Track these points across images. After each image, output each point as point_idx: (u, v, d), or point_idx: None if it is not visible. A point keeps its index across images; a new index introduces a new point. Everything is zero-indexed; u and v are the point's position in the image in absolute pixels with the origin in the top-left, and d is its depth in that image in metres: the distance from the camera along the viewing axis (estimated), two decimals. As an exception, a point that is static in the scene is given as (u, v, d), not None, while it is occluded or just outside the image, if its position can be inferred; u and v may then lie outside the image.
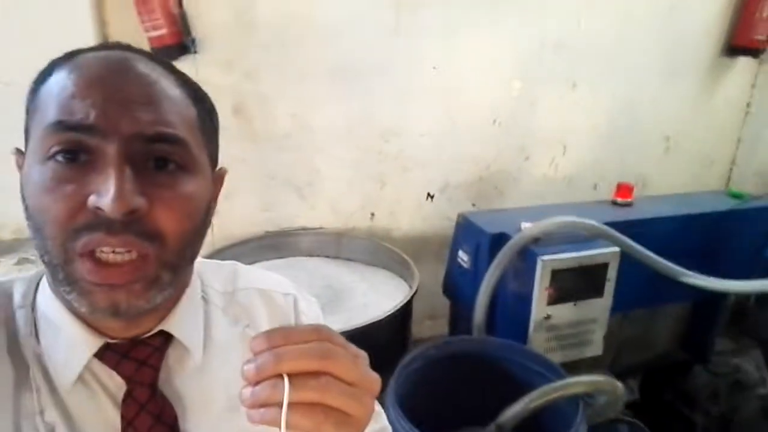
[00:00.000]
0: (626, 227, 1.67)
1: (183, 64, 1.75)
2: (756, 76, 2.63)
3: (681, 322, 2.24)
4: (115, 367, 0.50)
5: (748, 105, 2.69)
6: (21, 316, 0.51)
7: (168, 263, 0.47)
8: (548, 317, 1.53)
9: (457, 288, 1.84)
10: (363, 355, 0.43)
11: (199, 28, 1.78)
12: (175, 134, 0.46)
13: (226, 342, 0.58)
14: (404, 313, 1.63)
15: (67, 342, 0.50)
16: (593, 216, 1.66)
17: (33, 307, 0.52)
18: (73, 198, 0.43)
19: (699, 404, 1.95)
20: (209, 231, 0.54)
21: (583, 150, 2.50)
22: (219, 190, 0.56)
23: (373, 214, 2.27)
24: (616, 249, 1.55)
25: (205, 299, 0.59)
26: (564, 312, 1.55)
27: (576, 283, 1.54)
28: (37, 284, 0.54)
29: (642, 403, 2.13)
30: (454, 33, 2.08)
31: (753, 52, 2.49)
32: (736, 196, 2.04)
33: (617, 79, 2.41)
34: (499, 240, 1.61)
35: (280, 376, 0.38)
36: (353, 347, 0.43)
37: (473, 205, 2.39)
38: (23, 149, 0.49)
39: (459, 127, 2.25)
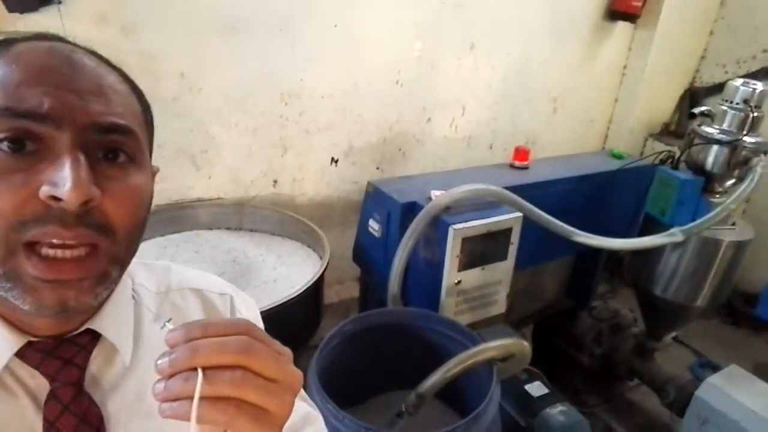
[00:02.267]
0: (524, 190, 1.76)
1: (45, 17, 1.49)
2: (632, 40, 2.84)
3: (566, 273, 2.46)
4: (38, 366, 0.48)
5: (625, 67, 2.90)
6: None
7: (117, 258, 0.46)
8: (458, 282, 1.59)
9: (368, 256, 1.84)
10: (286, 351, 0.42)
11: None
12: (128, 125, 0.46)
13: (157, 342, 0.54)
14: (317, 286, 1.59)
15: None
16: (494, 180, 1.72)
17: None
18: (21, 189, 0.41)
19: (585, 346, 2.17)
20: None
21: (481, 111, 2.56)
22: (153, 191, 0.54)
23: (275, 182, 2.17)
24: (519, 214, 1.62)
25: (135, 299, 0.57)
26: (473, 276, 1.61)
27: (484, 249, 1.60)
28: None
29: (535, 349, 2.32)
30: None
31: (630, 17, 2.67)
32: (617, 156, 2.23)
33: (511, 41, 2.47)
34: (410, 209, 1.62)
35: (195, 370, 0.36)
36: (276, 343, 0.41)
37: (377, 168, 2.37)
38: None
39: (361, 88, 2.18)
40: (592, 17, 2.66)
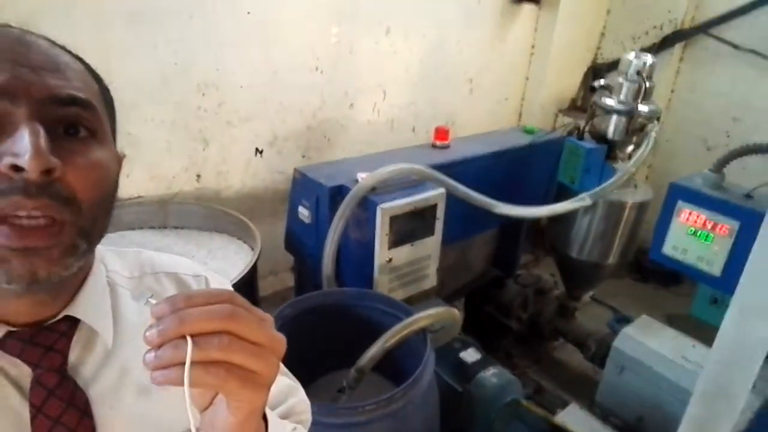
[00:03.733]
0: (446, 167, 1.84)
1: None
2: (537, 21, 2.99)
3: (491, 245, 2.58)
4: (20, 354, 0.49)
5: (533, 47, 3.06)
6: None
7: (83, 230, 0.46)
8: (390, 260, 1.64)
9: (300, 242, 1.85)
10: (268, 317, 0.43)
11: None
12: (87, 98, 0.46)
13: (138, 324, 0.57)
14: (251, 277, 1.59)
15: None
16: (418, 160, 1.78)
17: None
18: None
19: (512, 312, 2.30)
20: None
21: (401, 95, 2.62)
22: (120, 173, 0.54)
23: (199, 176, 2.12)
24: (442, 190, 1.69)
25: (110, 284, 0.58)
26: (403, 253, 1.67)
27: (411, 226, 1.66)
28: None
29: (467, 319, 2.44)
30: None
31: (534, -1, 2.82)
32: (529, 131, 2.36)
33: (426, 25, 2.53)
34: (338, 192, 1.64)
35: (183, 338, 0.38)
36: (257, 310, 0.43)
37: (303, 156, 2.37)
38: None
39: (281, 76, 2.17)
40: (500, 1, 2.78)
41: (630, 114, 1.87)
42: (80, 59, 0.51)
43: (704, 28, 2.86)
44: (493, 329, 2.35)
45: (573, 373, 2.35)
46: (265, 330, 0.42)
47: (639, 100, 1.88)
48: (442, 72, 2.71)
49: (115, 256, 0.61)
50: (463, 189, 1.74)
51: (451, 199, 1.77)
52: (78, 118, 0.46)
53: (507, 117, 3.16)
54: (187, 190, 2.10)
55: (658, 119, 1.92)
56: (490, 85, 2.96)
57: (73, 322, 0.52)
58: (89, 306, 0.53)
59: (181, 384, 0.37)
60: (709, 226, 1.00)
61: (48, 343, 0.50)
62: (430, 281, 1.79)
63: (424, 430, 1.26)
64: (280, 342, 0.44)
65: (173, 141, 1.99)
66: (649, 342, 1.86)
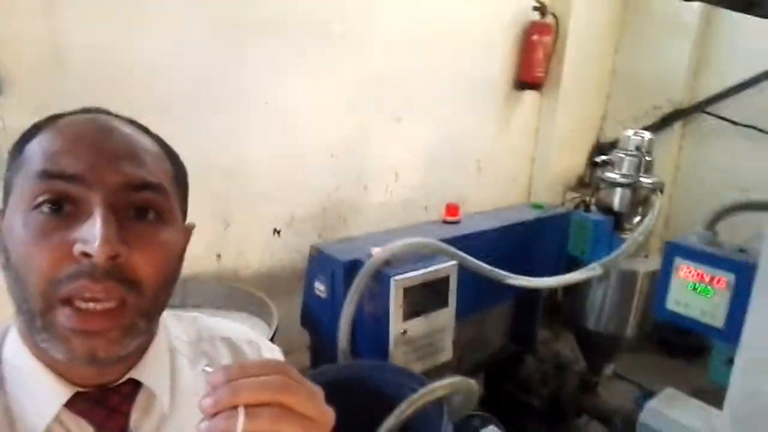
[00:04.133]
0: (457, 242, 1.89)
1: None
2: (540, 106, 3.17)
3: (508, 320, 2.57)
4: (86, 415, 0.51)
5: (537, 129, 3.21)
6: None
7: (144, 311, 0.49)
8: (404, 332, 1.65)
9: (316, 318, 1.88)
10: (318, 391, 0.44)
11: (5, 68, 1.58)
12: (159, 182, 0.50)
13: (193, 389, 0.59)
14: (267, 352, 1.61)
15: (36, 391, 0.50)
16: (430, 235, 1.84)
17: (0, 358, 0.52)
18: (58, 248, 0.44)
19: (533, 388, 2.25)
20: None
21: (412, 176, 2.74)
22: (187, 245, 0.58)
23: (219, 256, 2.20)
24: (454, 262, 1.74)
25: (171, 349, 0.60)
26: (417, 325, 1.68)
27: (425, 297, 1.69)
28: (5, 335, 0.54)
29: (488, 396, 2.38)
30: (284, 70, 2.15)
31: (535, 86, 3.00)
32: (537, 206, 2.44)
33: (434, 113, 2.71)
34: (353, 266, 1.70)
35: (236, 408, 0.39)
36: (309, 383, 0.44)
37: (319, 236, 2.46)
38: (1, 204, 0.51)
39: (297, 161, 2.31)
40: (503, 88, 2.97)
41: (633, 186, 1.94)
42: (158, 139, 0.56)
43: (701, 107, 3.00)
44: (514, 407, 2.29)
45: (600, 454, 2.25)
46: (315, 403, 0.43)
47: (641, 173, 1.96)
48: (451, 155, 2.85)
49: (175, 321, 0.64)
50: (473, 261, 1.78)
51: (464, 271, 1.81)
52: (148, 202, 0.49)
53: (516, 195, 3.25)
54: (208, 271, 2.17)
55: (661, 191, 1.98)
56: (497, 167, 3.09)
57: (136, 385, 0.54)
58: (152, 370, 0.55)
59: None
60: (707, 280, 1.03)
61: (112, 404, 0.52)
62: (446, 354, 1.79)
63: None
64: (330, 416, 0.45)
65: (196, 223, 2.09)
66: (675, 415, 1.80)
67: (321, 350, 1.94)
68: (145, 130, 0.55)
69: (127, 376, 0.53)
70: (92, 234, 0.44)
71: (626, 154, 1.96)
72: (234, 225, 2.20)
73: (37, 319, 0.45)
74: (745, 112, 2.86)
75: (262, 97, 2.14)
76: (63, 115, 0.51)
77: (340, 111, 2.39)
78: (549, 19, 2.89)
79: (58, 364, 0.49)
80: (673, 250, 1.09)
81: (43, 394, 0.50)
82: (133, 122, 0.54)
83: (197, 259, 2.14)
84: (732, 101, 2.88)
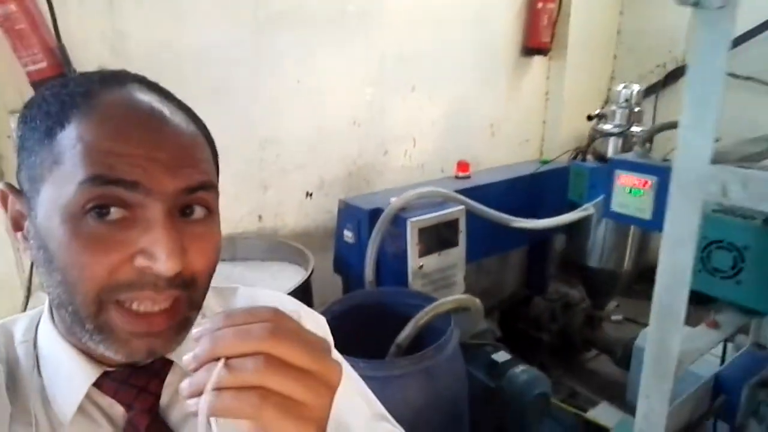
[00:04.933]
0: (467, 192, 2.16)
1: None
2: (548, 70, 3.36)
3: (522, 268, 2.83)
4: (114, 394, 0.50)
5: (546, 93, 3.41)
6: (22, 352, 0.52)
7: (196, 303, 0.49)
8: (421, 267, 1.94)
9: (347, 262, 2.18)
10: (321, 341, 0.39)
11: (74, 62, 1.91)
12: (211, 180, 0.49)
13: None
14: (307, 285, 1.92)
15: (66, 373, 0.50)
16: (442, 187, 2.11)
17: (35, 342, 0.52)
18: (115, 256, 0.43)
19: (543, 325, 2.51)
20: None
21: (428, 141, 2.99)
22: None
23: (260, 217, 2.52)
24: (462, 207, 2.01)
25: None
26: (432, 261, 1.97)
27: (437, 237, 1.97)
28: (38, 320, 0.54)
29: (503, 336, 2.65)
30: (311, 51, 2.43)
31: (543, 51, 3.19)
32: (544, 162, 2.67)
33: (446, 81, 2.94)
34: (375, 214, 1.99)
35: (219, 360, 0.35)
36: (309, 332, 0.39)
37: (346, 197, 2.75)
38: (17, 186, 0.49)
39: (325, 131, 2.60)
40: (511, 55, 3.18)
41: (624, 135, 2.16)
42: (195, 117, 0.53)
43: (702, 63, 3.14)
44: (526, 343, 2.56)
45: (606, 380, 2.50)
46: (314, 354, 0.37)
47: (631, 123, 2.17)
48: (465, 121, 3.09)
49: (213, 294, 0.61)
50: (478, 206, 2.05)
51: (474, 218, 2.07)
52: (201, 201, 0.48)
53: (529, 156, 3.47)
54: (251, 229, 2.50)
55: (651, 141, 2.19)
56: (510, 130, 3.31)
57: (167, 362, 0.53)
58: (182, 347, 0.50)
59: (215, 414, 0.34)
60: (638, 184, 1.27)
61: (141, 383, 0.51)
62: (459, 288, 2.07)
63: (453, 387, 1.51)
64: (333, 370, 0.38)
65: (240, 189, 2.42)
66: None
67: (352, 291, 2.25)
68: (179, 104, 0.52)
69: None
70: (157, 250, 0.43)
71: (618, 107, 2.18)
72: (271, 190, 2.52)
73: (88, 322, 0.44)
74: (746, 64, 2.99)
75: (293, 77, 2.43)
76: (90, 86, 0.46)
77: (361, 85, 2.66)
78: (553, -13, 3.08)
79: (86, 346, 0.49)
80: (614, 164, 1.33)
81: (72, 375, 0.50)
82: (164, 93, 0.51)
83: (242, 220, 2.47)
84: (731, 55, 3.01)
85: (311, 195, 2.65)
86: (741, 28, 2.95)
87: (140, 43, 2.04)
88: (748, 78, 2.94)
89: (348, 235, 2.09)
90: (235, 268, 2.28)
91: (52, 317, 0.52)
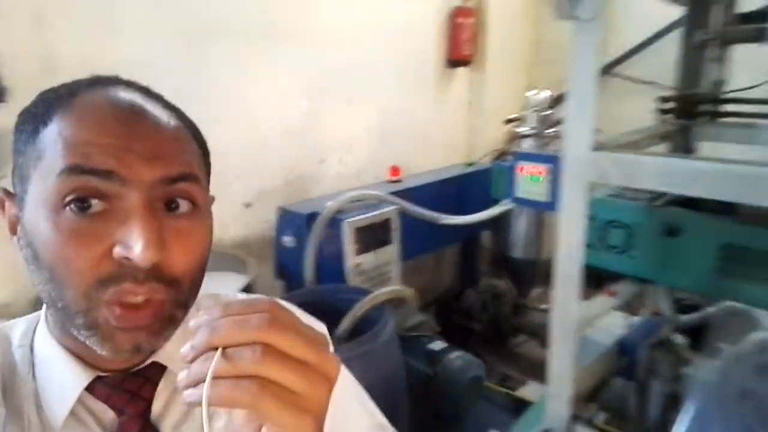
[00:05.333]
0: (399, 194, 2.31)
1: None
2: (471, 80, 3.60)
3: (456, 265, 3.01)
4: (107, 399, 0.50)
5: (470, 102, 3.65)
6: (19, 356, 0.52)
7: (182, 302, 0.48)
8: (358, 265, 2.06)
9: (287, 266, 2.27)
10: (319, 335, 0.39)
11: (5, 78, 1.90)
12: (192, 172, 0.48)
13: None
14: (247, 291, 1.99)
15: (60, 378, 0.50)
16: (375, 191, 2.25)
17: (31, 347, 0.53)
18: (96, 249, 0.43)
19: (475, 316, 2.69)
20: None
21: (363, 150, 3.13)
22: (212, 223, 0.57)
23: (200, 227, 2.56)
24: (393, 207, 2.15)
25: None
26: (368, 259, 2.09)
27: (372, 236, 2.10)
28: (36, 325, 0.55)
29: (440, 328, 2.81)
30: (244, 64, 2.51)
31: (465, 62, 3.43)
32: (469, 164, 2.87)
33: (380, 93, 3.10)
34: (313, 218, 2.10)
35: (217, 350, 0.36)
36: (308, 326, 0.39)
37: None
38: (11, 191, 0.49)
39: (261, 143, 2.67)
40: (436, 67, 3.39)
41: (537, 136, 2.38)
42: (180, 115, 0.53)
43: (607, 69, 3.48)
44: (461, 334, 2.72)
45: (534, 362, 2.69)
46: (311, 346, 0.38)
47: (544, 126, 2.40)
48: (397, 130, 3.25)
49: (210, 300, 0.62)
50: (410, 206, 2.20)
51: (407, 218, 2.22)
52: (183, 193, 0.47)
53: (457, 160, 3.66)
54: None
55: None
56: (437, 137, 3.51)
57: (161, 368, 0.53)
58: (175, 353, 0.48)
59: (212, 403, 0.34)
60: (536, 171, 1.47)
61: (134, 389, 0.51)
62: (395, 283, 2.20)
63: (390, 375, 1.63)
64: (330, 362, 0.39)
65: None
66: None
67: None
68: (165, 104, 0.52)
69: (150, 360, 0.52)
70: (133, 239, 0.42)
71: (532, 111, 2.40)
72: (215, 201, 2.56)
73: (79, 317, 0.44)
74: (646, 70, 3.34)
75: (225, 91, 2.50)
76: (76, 88, 0.48)
77: (297, 97, 2.75)
78: (471, 3, 3.32)
79: (81, 351, 0.49)
80: (517, 157, 1.53)
81: (65, 379, 0.50)
82: (150, 93, 0.52)
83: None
84: (633, 62, 3.36)
85: (249, 205, 2.72)
86: (640, 38, 3.30)
87: (70, 58, 2.05)
88: (650, 82, 3.29)
89: (287, 240, 2.18)
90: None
91: (47, 320, 0.53)
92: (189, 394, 0.35)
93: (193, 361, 0.36)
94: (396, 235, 2.17)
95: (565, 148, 1.21)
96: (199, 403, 0.34)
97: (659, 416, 1.66)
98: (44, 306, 0.52)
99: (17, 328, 0.55)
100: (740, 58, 1.71)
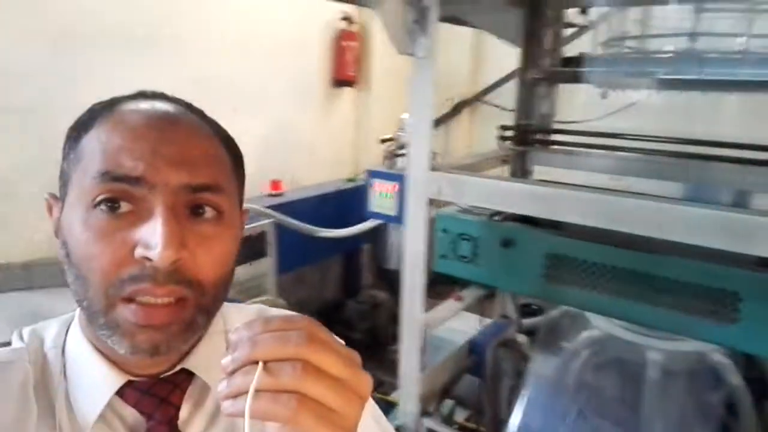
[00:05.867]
0: (278, 208, 2.37)
1: None
2: (356, 100, 3.76)
3: (340, 277, 3.11)
4: (136, 404, 0.51)
5: (356, 121, 3.80)
6: (52, 357, 0.53)
7: (203, 307, 0.48)
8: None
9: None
10: (354, 354, 0.41)
11: None
12: (216, 183, 0.49)
13: None
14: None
15: (91, 380, 0.50)
16: (255, 204, 2.29)
17: (63, 348, 0.53)
18: (119, 248, 0.44)
19: (354, 326, 2.80)
20: None
21: (253, 161, 3.11)
22: (241, 234, 0.57)
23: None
24: (269, 221, 2.21)
25: (227, 340, 0.57)
26: (242, 271, 2.12)
27: (248, 249, 2.14)
28: (69, 326, 0.55)
29: (321, 339, 2.88)
30: (112, 71, 2.41)
31: (350, 83, 3.58)
32: (350, 180, 3.00)
33: (267, 105, 3.14)
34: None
35: (257, 364, 0.37)
36: (342, 345, 0.41)
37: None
38: (57, 195, 0.51)
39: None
40: (322, 85, 3.50)
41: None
42: (217, 128, 0.54)
43: (479, 97, 3.80)
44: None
45: (409, 368, 2.86)
46: (346, 364, 0.39)
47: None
48: (285, 144, 3.31)
49: (235, 311, 0.62)
50: (287, 219, 2.27)
51: (286, 231, 2.28)
52: (207, 201, 0.48)
53: (344, 175, 3.79)
54: (50, 255, 2.39)
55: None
56: (325, 151, 3.61)
57: (189, 375, 0.53)
58: (204, 360, 0.53)
59: (251, 416, 0.35)
60: (387, 189, 1.62)
61: (163, 394, 0.51)
62: (270, 295, 2.25)
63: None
64: (364, 381, 0.40)
65: (36, 213, 2.30)
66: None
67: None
68: (202, 115, 0.54)
69: (179, 366, 0.53)
70: (154, 238, 0.44)
71: (402, 132, 2.58)
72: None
73: (100, 316, 0.46)
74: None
75: (97, 97, 2.39)
76: (120, 100, 0.51)
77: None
78: (355, 28, 3.48)
79: (112, 354, 0.50)
80: (372, 175, 1.69)
81: (96, 382, 0.50)
82: (190, 107, 0.54)
83: (39, 247, 2.34)
84: (502, 91, 3.70)
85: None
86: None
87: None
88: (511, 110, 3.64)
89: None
90: (33, 297, 2.17)
91: (80, 321, 0.53)
92: (229, 405, 0.37)
93: (233, 373, 0.37)
94: (272, 248, 2.23)
95: (408, 168, 1.35)
96: (239, 414, 0.35)
97: (506, 408, 1.86)
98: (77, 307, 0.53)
99: (51, 328, 0.55)
100: (565, 95, 1.99)
